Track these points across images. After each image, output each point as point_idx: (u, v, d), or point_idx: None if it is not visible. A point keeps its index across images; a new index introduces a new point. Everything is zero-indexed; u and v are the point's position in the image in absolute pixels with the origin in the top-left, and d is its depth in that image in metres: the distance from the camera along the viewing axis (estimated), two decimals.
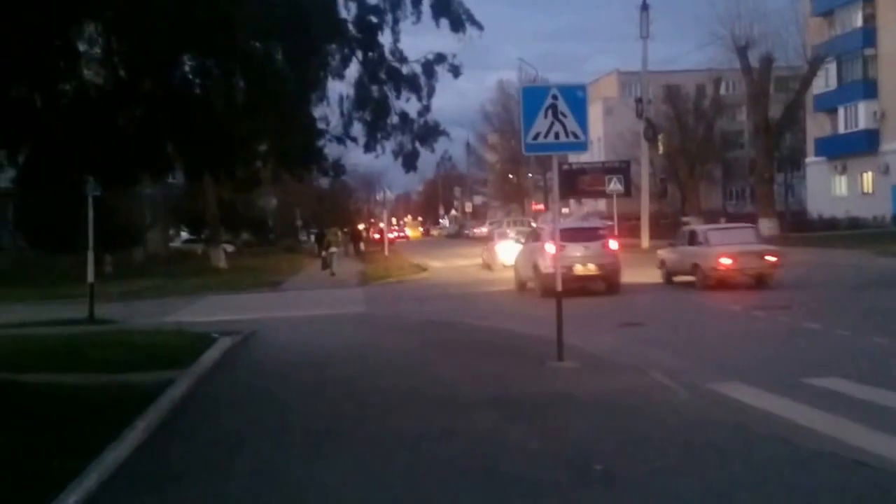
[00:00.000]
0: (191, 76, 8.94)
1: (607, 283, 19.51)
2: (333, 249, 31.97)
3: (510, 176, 77.51)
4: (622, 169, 55.06)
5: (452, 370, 10.28)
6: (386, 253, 41.46)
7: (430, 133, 9.93)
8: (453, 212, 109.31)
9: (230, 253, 44.63)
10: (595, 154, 54.96)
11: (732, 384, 8.85)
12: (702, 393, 8.46)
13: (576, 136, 10.34)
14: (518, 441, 6.75)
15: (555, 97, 10.33)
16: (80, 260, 19.24)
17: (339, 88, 9.73)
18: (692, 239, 20.16)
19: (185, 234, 55.43)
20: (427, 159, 10.90)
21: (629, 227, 44.09)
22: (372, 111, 9.57)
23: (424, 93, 9.61)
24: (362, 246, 48.90)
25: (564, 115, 10.31)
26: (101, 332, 14.75)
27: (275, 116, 9.02)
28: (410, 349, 12.18)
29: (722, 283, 18.54)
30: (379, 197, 70.29)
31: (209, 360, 11.23)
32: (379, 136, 9.70)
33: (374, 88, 9.54)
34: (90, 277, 17.90)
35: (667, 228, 48.79)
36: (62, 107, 8.87)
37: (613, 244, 20.09)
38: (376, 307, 19.83)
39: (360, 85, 9.50)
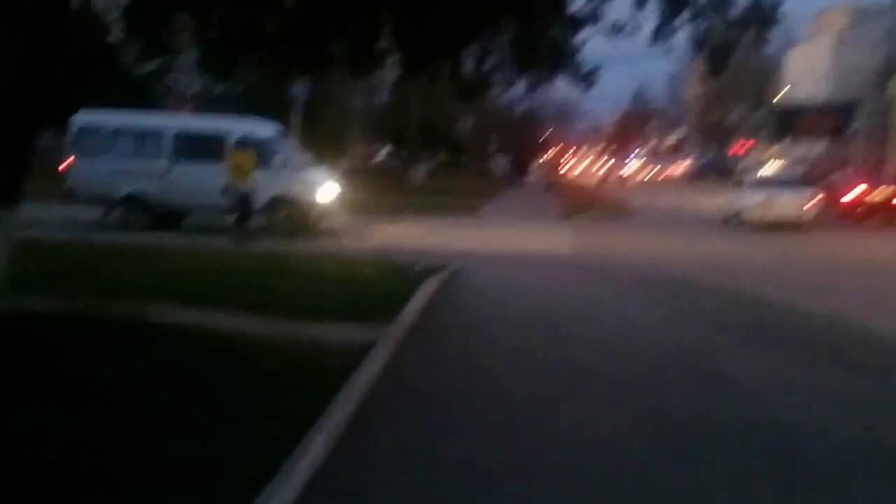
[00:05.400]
0: None
1: None
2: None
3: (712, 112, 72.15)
4: (846, 110, 48.25)
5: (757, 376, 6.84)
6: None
7: (760, 16, 6.68)
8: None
9: (426, 172, 43.71)
10: (816, 92, 48.82)
11: None
12: None
13: None
14: None
15: None
16: None
17: None
18: None
19: (385, 151, 55.28)
20: (621, 88, 7.68)
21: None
22: None
23: None
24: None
25: None
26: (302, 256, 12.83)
27: None
28: (666, 324, 9.27)
29: None
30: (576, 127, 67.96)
31: (413, 312, 8.92)
32: (680, 18, 6.60)
33: None
34: None
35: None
36: None
37: None
38: (584, 247, 17.90)
39: None
